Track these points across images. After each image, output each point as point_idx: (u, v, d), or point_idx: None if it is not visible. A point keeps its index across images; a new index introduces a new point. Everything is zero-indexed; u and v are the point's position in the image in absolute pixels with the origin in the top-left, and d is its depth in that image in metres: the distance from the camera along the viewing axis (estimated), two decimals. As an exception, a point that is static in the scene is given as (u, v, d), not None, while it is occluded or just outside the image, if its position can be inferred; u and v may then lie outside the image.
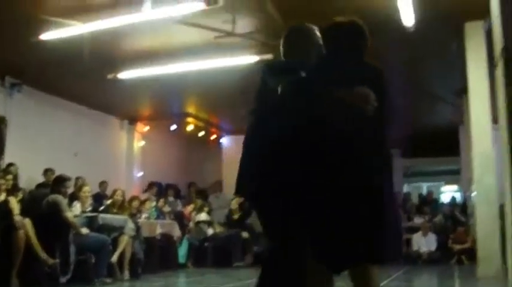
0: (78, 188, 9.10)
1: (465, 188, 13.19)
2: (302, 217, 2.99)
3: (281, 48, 3.46)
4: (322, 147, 3.00)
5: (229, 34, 7.92)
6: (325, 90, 2.98)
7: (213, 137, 15.46)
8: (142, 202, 10.50)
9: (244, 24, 7.83)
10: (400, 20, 6.91)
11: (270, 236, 3.21)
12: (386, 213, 2.94)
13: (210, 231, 11.82)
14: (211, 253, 11.48)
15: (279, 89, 3.11)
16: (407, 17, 6.82)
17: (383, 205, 2.91)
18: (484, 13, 3.97)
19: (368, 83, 2.93)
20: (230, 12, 7.40)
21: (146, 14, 6.99)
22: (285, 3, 7.18)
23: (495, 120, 6.84)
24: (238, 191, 3.38)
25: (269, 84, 3.18)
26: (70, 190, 8.61)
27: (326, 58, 3.26)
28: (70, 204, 8.10)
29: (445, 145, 13.88)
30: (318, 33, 3.40)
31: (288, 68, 3.26)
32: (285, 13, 7.38)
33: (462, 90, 9.60)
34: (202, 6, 6.70)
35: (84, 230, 7.69)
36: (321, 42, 3.36)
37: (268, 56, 8.38)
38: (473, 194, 9.03)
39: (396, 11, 6.68)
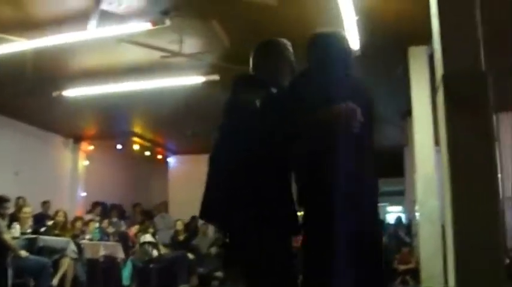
0: (18, 208, 8.85)
1: (409, 209, 13.39)
2: (277, 232, 2.95)
3: (251, 62, 3.37)
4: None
5: (176, 54, 7.87)
6: (309, 108, 2.92)
7: (159, 157, 15.31)
8: (86, 223, 10.27)
9: (191, 44, 7.81)
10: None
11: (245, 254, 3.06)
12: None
13: (154, 252, 11.62)
14: (156, 275, 11.25)
15: (256, 103, 3.05)
16: (353, 40, 6.92)
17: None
18: (427, 38, 4.06)
19: (355, 97, 2.92)
20: (177, 33, 7.37)
21: (92, 32, 6.90)
22: (232, 25, 7.20)
23: (438, 142, 6.98)
24: (205, 216, 3.28)
25: (241, 98, 3.13)
26: (10, 210, 8.36)
27: (308, 72, 3.21)
28: (9, 225, 7.85)
29: (391, 166, 14.08)
30: (289, 47, 3.34)
31: (261, 82, 3.19)
32: (232, 34, 7.41)
33: (407, 113, 9.78)
34: (148, 26, 6.66)
35: (23, 253, 7.45)
36: (292, 57, 3.32)
37: (215, 77, 8.40)
38: (417, 215, 9.17)
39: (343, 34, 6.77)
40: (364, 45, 7.04)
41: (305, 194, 3.09)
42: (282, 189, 3.06)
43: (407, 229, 13.56)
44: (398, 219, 14.82)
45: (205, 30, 7.35)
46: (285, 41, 3.37)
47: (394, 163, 13.64)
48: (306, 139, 3.03)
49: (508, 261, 8.99)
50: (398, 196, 17.05)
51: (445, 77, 3.53)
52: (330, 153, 2.93)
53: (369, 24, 6.77)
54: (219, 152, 3.19)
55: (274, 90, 3.14)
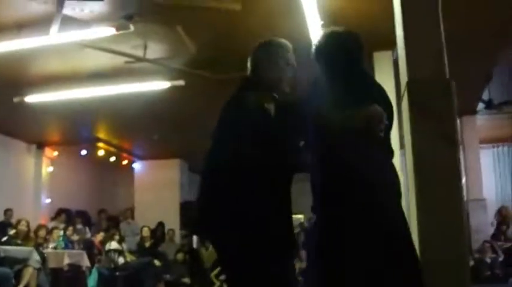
0: (-22, 218, 8.66)
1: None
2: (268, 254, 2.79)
3: (250, 62, 3.21)
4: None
5: (140, 59, 7.79)
6: (333, 112, 2.83)
7: (125, 162, 15.14)
8: (50, 231, 10.09)
9: (156, 50, 7.73)
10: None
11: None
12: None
13: (120, 260, 11.48)
14: (122, 283, 11.12)
15: (269, 109, 2.95)
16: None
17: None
18: (392, 43, 4.08)
19: (379, 101, 2.83)
20: (141, 38, 7.30)
21: (54, 37, 6.78)
22: (196, 30, 7.15)
23: (403, 146, 7.03)
24: (197, 233, 3.14)
25: (247, 101, 2.96)
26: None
27: (327, 75, 3.08)
28: (-31, 235, 7.69)
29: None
30: (290, 49, 3.19)
31: (268, 85, 3.08)
32: (197, 40, 7.36)
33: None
34: (112, 31, 6.57)
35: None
36: (292, 59, 3.17)
37: (180, 82, 8.33)
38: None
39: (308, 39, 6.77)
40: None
41: (327, 202, 2.94)
42: (279, 205, 2.91)
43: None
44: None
45: (169, 35, 7.28)
46: (286, 42, 3.23)
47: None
48: (336, 146, 2.89)
49: (472, 263, 9.13)
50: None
51: (409, 83, 3.55)
52: (357, 160, 2.82)
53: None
54: (213, 162, 2.97)
55: (276, 95, 3.06)
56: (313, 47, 3.22)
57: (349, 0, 6.46)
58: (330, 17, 6.37)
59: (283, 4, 6.30)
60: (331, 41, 3.17)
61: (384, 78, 8.20)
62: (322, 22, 6.43)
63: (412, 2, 3.87)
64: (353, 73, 3.06)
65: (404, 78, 3.70)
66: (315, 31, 6.57)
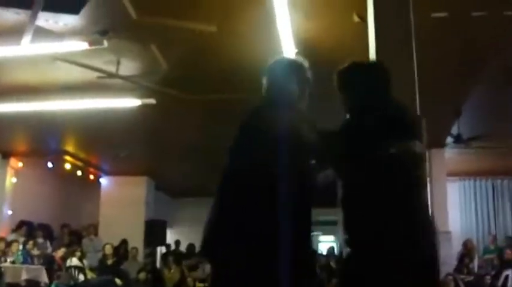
0: None
1: (341, 239, 13.47)
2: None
3: (267, 80, 3.13)
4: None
5: (112, 75, 7.71)
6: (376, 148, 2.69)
7: (92, 177, 14.94)
8: (9, 244, 9.86)
9: (128, 66, 7.66)
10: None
11: None
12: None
13: (81, 277, 11.26)
14: (82, 300, 10.93)
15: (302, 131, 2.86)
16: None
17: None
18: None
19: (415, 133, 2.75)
20: (114, 54, 7.23)
21: (25, 47, 6.67)
22: (171, 50, 7.11)
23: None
24: (205, 255, 2.98)
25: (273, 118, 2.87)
26: None
27: (361, 107, 2.95)
28: None
29: (324, 196, 14.15)
30: (306, 67, 3.15)
31: (289, 103, 3.00)
32: (171, 59, 7.33)
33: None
34: (85, 46, 6.50)
35: None
36: (310, 79, 3.12)
37: (151, 101, 8.28)
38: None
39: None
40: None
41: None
42: (300, 229, 2.83)
43: (338, 259, 13.63)
44: (330, 249, 14.88)
45: (143, 53, 7.23)
46: (303, 61, 3.19)
47: (328, 193, 13.70)
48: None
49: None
50: (330, 225, 17.17)
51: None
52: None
53: (309, 58, 6.81)
54: (230, 180, 2.86)
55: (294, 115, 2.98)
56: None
57: (323, 28, 6.48)
58: (304, 44, 6.39)
59: (259, 28, 6.30)
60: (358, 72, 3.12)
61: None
62: (296, 50, 6.45)
63: (386, 35, 3.90)
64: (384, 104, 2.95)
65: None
66: (289, 54, 6.57)
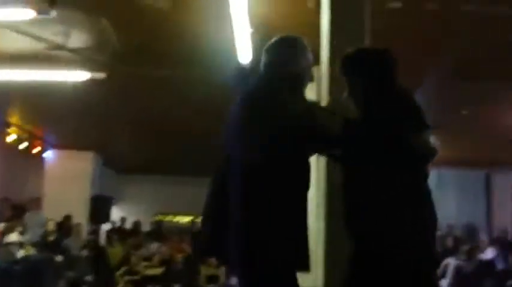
0: None
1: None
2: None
3: (272, 56, 3.06)
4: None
5: (60, 47, 7.49)
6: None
7: (36, 150, 14.54)
8: None
9: (78, 39, 7.45)
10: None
11: None
12: None
13: (21, 253, 10.98)
14: (20, 278, 10.65)
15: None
16: (246, 54, 6.85)
17: None
18: (319, 59, 4.10)
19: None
20: (63, 25, 7.00)
21: (-32, 14, 6.39)
22: (123, 25, 6.95)
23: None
24: (204, 254, 2.91)
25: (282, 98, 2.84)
26: None
27: (375, 96, 2.92)
28: None
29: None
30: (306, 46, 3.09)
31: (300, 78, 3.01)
32: (122, 35, 7.16)
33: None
34: (32, 14, 6.25)
35: None
36: (311, 58, 3.07)
37: (101, 75, 8.11)
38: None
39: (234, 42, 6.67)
40: (256, 61, 7.00)
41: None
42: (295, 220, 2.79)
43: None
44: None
45: (93, 26, 7.03)
46: (301, 37, 3.13)
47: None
48: None
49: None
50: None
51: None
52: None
53: (264, 39, 6.74)
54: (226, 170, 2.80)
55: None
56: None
57: (278, 13, 6.42)
58: (260, 27, 6.33)
59: (215, 6, 6.19)
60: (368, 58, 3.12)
61: (307, 93, 8.24)
62: (251, 30, 6.38)
63: (340, 24, 3.88)
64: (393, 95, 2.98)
65: (325, 98, 3.72)
66: (243, 36, 6.50)
